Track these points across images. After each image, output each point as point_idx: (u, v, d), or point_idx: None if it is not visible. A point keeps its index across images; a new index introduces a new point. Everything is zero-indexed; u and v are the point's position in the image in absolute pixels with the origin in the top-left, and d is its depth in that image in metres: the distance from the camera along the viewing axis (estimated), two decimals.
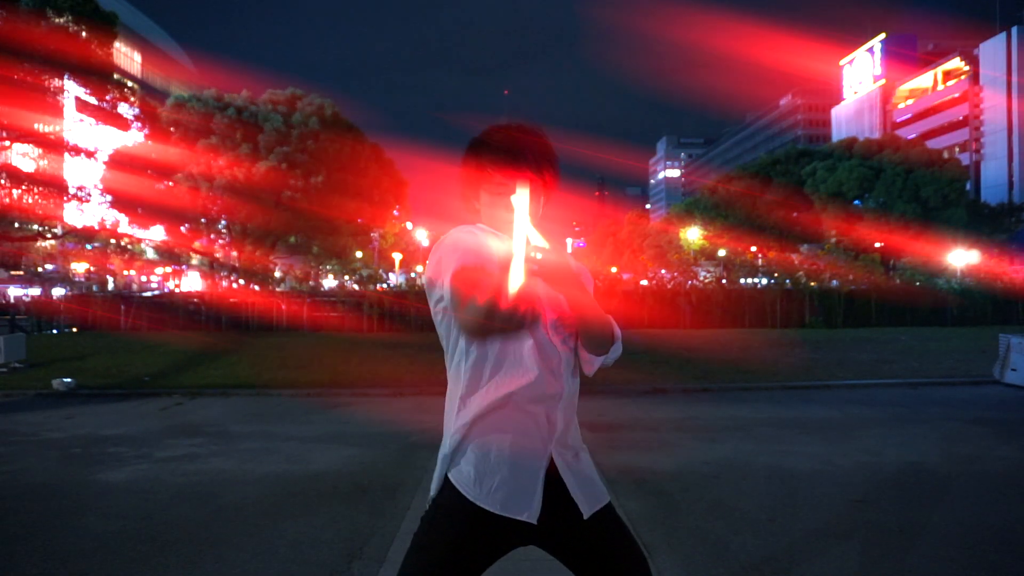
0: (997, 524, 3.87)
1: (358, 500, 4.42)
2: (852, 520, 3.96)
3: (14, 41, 18.59)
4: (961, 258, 23.20)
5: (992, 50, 66.79)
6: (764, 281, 22.28)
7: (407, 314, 20.19)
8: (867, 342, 14.76)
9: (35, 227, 27.20)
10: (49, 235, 28.10)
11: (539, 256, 1.30)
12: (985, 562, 3.36)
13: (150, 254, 48.81)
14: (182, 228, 31.00)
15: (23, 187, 23.46)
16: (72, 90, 23.47)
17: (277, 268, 23.26)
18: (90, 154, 23.35)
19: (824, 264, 21.79)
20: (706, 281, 20.95)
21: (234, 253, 33.57)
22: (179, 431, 6.65)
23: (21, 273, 43.30)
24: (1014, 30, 64.12)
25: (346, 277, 30.77)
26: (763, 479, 4.83)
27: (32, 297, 29.61)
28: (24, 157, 29.05)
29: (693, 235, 54.69)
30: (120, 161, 25.30)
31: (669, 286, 20.82)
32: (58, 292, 29.06)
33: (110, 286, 28.89)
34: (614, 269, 27.94)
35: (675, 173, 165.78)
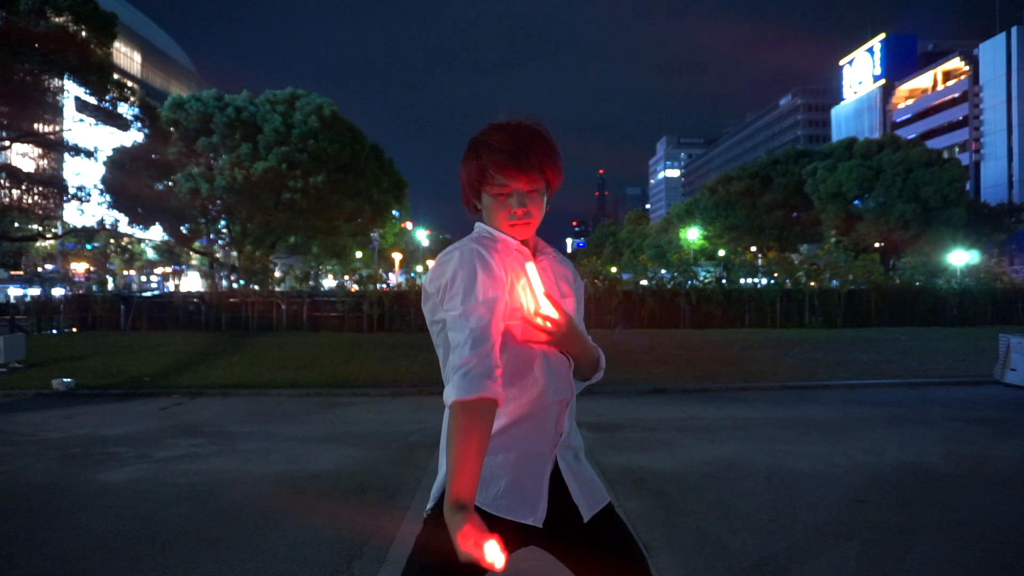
0: (997, 524, 3.87)
1: (358, 500, 4.42)
2: (852, 520, 3.96)
3: (14, 41, 18.60)
4: (961, 258, 23.15)
5: (992, 50, 66.78)
6: (764, 281, 22.22)
7: (407, 314, 20.20)
8: (867, 342, 14.76)
9: (35, 227, 27.23)
10: (49, 235, 28.13)
11: (550, 326, 1.45)
12: (985, 562, 3.36)
13: (150, 254, 48.89)
14: (182, 228, 31.00)
15: (23, 187, 23.47)
16: (72, 90, 23.49)
17: (277, 268, 23.22)
18: (90, 154, 23.35)
19: (824, 264, 21.73)
20: (706, 281, 20.93)
21: (234, 253, 33.59)
22: (179, 431, 6.65)
23: (21, 273, 43.32)
24: (1014, 30, 64.10)
25: (346, 277, 30.76)
26: (763, 479, 4.83)
27: (32, 297, 29.62)
28: (24, 157, 29.07)
29: (693, 235, 54.71)
30: (120, 161, 25.31)
31: (669, 286, 20.80)
32: (58, 292, 29.05)
33: (110, 286, 28.88)
34: (614, 269, 27.89)
35: (675, 173, 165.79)
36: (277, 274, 22.21)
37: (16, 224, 26.36)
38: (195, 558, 3.48)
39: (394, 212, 40.62)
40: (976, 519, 3.96)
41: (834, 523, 3.93)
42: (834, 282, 21.13)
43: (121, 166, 25.25)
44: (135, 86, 25.29)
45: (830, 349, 13.35)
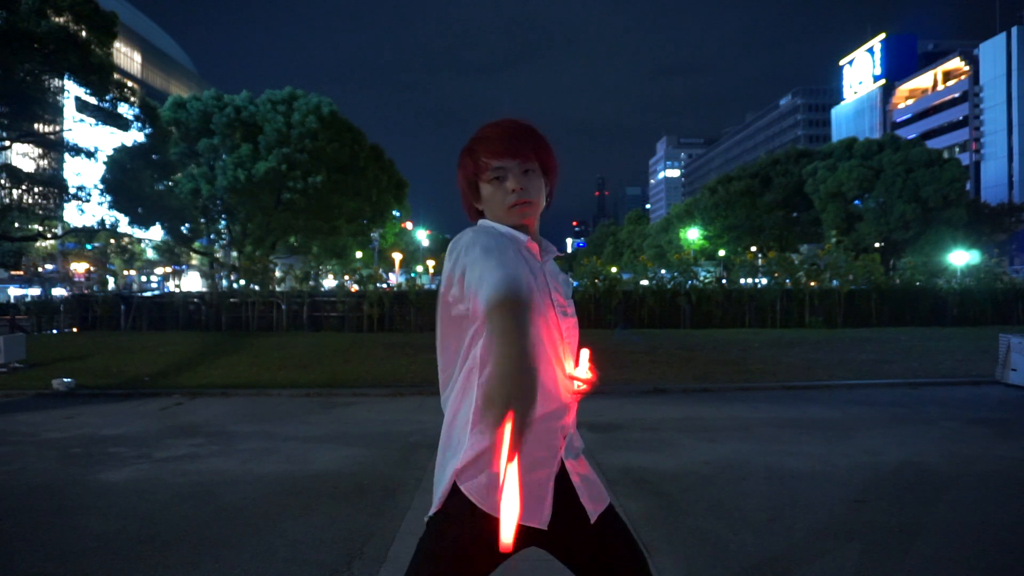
0: (997, 524, 3.87)
1: (358, 500, 4.42)
2: (852, 520, 3.96)
3: (14, 41, 18.60)
4: (961, 258, 23.13)
5: (992, 50, 66.81)
6: (764, 281, 22.20)
7: (407, 314, 20.20)
8: (867, 342, 14.75)
9: (35, 227, 27.23)
10: (49, 235, 28.13)
11: (583, 385, 1.53)
12: (985, 562, 3.36)
13: (150, 254, 48.90)
14: (182, 228, 31.00)
15: (23, 187, 23.47)
16: (72, 90, 23.49)
17: (277, 268, 23.21)
18: (90, 154, 23.35)
19: (824, 264, 21.71)
20: (706, 281, 20.92)
21: (234, 253, 33.58)
22: (179, 431, 6.65)
23: (21, 273, 43.34)
24: (1014, 30, 64.14)
25: (346, 277, 30.75)
26: (763, 479, 4.83)
27: (32, 297, 29.61)
28: (24, 157, 29.08)
29: (693, 235, 54.72)
30: (120, 161, 25.30)
31: (669, 286, 20.80)
32: (58, 292, 29.04)
33: (110, 286, 28.86)
34: (614, 269, 27.88)
35: (675, 173, 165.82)
36: (277, 274, 22.19)
37: (16, 224, 26.34)
38: (195, 558, 3.48)
39: (394, 212, 40.65)
40: (976, 519, 3.96)
41: (834, 523, 3.93)
42: (834, 282, 21.11)
43: (121, 166, 25.23)
44: (135, 86, 25.30)
45: (830, 349, 13.34)
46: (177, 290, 36.59)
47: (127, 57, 70.25)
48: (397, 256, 42.62)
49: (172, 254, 45.13)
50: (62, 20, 19.78)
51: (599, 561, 1.48)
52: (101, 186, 24.63)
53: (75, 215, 26.97)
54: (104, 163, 24.85)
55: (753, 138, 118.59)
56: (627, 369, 10.46)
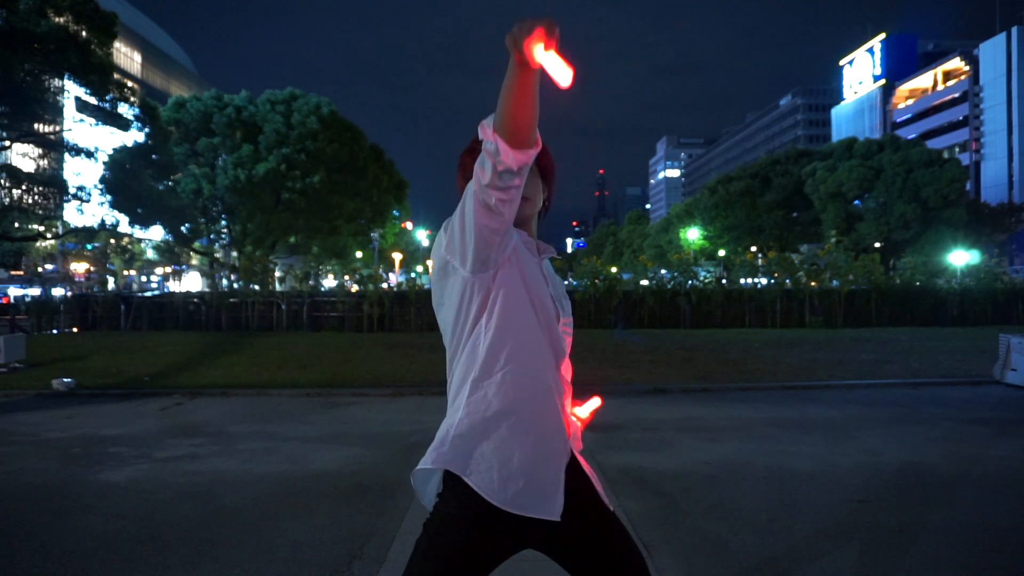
0: (997, 524, 3.87)
1: (358, 500, 4.42)
2: (852, 520, 3.96)
3: (14, 41, 18.61)
4: (961, 258, 23.13)
5: (992, 50, 66.81)
6: (764, 281, 22.21)
7: (407, 314, 20.20)
8: (867, 342, 14.75)
9: (35, 227, 27.24)
10: (49, 235, 28.14)
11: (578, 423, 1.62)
12: (985, 562, 3.36)
13: (150, 254, 48.89)
14: (183, 228, 31.01)
15: (23, 187, 23.48)
16: (72, 90, 23.50)
17: (277, 268, 23.22)
18: (90, 154, 23.35)
19: (824, 264, 21.71)
20: (706, 281, 20.93)
21: (234, 253, 33.57)
22: (179, 431, 6.65)
23: (21, 273, 43.35)
24: (1014, 30, 64.13)
25: (346, 277, 30.76)
26: (763, 479, 4.83)
27: (32, 297, 29.61)
28: (24, 157, 29.09)
29: (693, 235, 54.72)
30: (120, 161, 25.31)
31: (669, 286, 20.80)
32: (58, 292, 29.03)
33: (110, 286, 28.86)
34: (614, 269, 27.87)
35: (675, 173, 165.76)
36: (277, 274, 22.20)
37: (16, 224, 26.36)
38: (195, 558, 3.48)
39: (394, 212, 40.65)
40: (976, 519, 3.96)
41: (834, 523, 3.93)
42: (834, 282, 21.12)
43: (121, 166, 25.23)
44: (135, 86, 25.31)
45: (830, 349, 13.34)
46: (177, 290, 36.60)
47: (127, 57, 70.25)
48: (397, 256, 42.58)
49: (172, 254, 45.14)
50: (62, 20, 19.78)
51: (597, 561, 1.48)
52: (101, 186, 24.63)
53: (75, 215, 26.99)
54: (104, 163, 24.85)
55: (753, 138, 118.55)
56: (627, 369, 10.45)
